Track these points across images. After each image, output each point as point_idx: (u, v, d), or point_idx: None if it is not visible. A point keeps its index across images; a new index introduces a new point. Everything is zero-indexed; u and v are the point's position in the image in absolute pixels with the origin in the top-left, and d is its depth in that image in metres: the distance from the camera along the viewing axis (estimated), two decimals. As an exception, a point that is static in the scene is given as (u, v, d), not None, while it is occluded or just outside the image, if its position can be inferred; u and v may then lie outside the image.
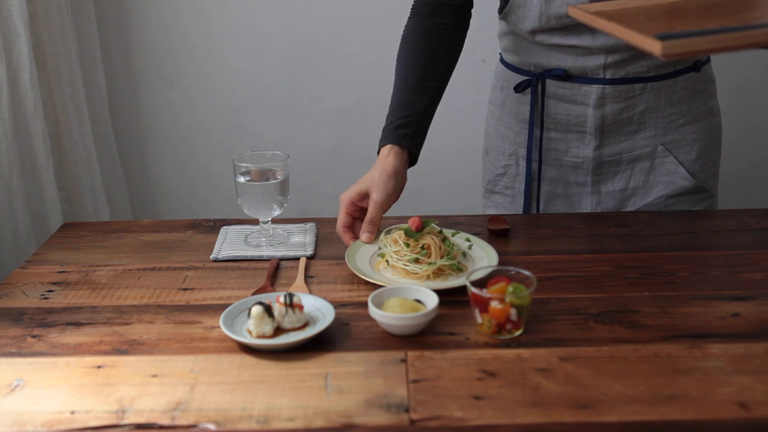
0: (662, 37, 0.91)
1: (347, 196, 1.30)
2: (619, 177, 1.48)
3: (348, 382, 0.94)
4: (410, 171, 2.38)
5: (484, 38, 2.11)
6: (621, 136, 1.44)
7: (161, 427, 0.87)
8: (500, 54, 1.57)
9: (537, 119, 1.47)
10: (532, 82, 1.46)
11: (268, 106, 2.18)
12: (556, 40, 1.39)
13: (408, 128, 1.33)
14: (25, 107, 1.66)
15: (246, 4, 2.09)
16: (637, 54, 1.37)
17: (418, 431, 0.85)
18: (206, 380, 0.95)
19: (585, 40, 1.36)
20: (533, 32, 1.40)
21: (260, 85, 2.16)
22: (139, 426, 0.87)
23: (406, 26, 1.45)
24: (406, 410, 0.88)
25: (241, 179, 1.29)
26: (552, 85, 1.44)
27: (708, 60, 1.48)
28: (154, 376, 0.96)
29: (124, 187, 2.14)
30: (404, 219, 1.26)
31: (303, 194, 2.06)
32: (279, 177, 1.30)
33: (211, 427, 0.86)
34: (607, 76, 1.39)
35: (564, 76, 1.42)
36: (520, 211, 1.55)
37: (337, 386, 0.93)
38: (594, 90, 1.40)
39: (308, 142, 2.20)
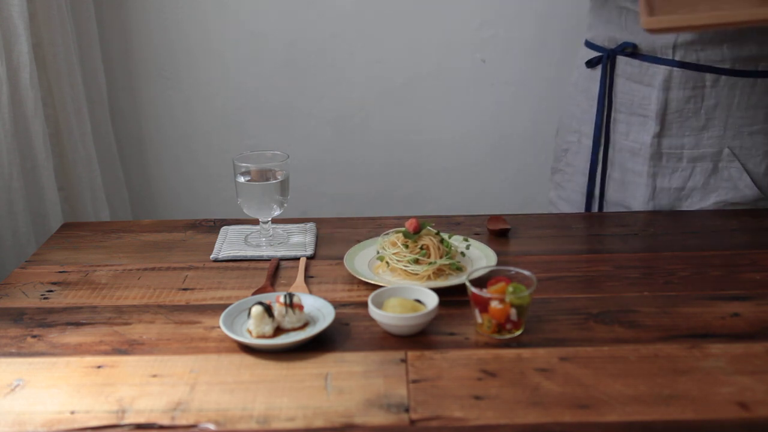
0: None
1: None
2: (678, 175, 1.44)
3: (348, 382, 0.94)
4: (410, 171, 2.39)
5: (484, 38, 2.11)
6: (685, 130, 1.41)
7: (161, 427, 0.87)
8: (585, 39, 1.57)
9: (604, 97, 1.46)
10: (603, 59, 1.45)
11: (268, 106, 2.18)
12: (628, 3, 1.37)
13: None
14: (25, 107, 1.66)
15: (246, 4, 2.09)
16: (709, 38, 1.33)
17: (418, 431, 0.85)
18: (206, 380, 0.95)
19: None
20: None
21: (260, 85, 2.16)
22: (139, 426, 0.87)
23: None
24: (406, 410, 0.88)
25: (241, 179, 1.30)
26: (622, 62, 1.43)
27: None
28: (154, 376, 0.96)
29: (124, 187, 2.14)
30: (403, 219, 1.26)
31: (303, 194, 2.05)
32: (279, 177, 1.30)
33: (211, 427, 0.86)
34: (677, 58, 1.36)
35: (633, 52, 1.40)
36: (576, 189, 1.54)
37: (337, 386, 0.93)
38: (661, 71, 1.38)
39: (308, 142, 2.20)
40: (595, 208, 1.54)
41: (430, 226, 1.23)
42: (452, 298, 1.11)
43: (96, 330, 1.07)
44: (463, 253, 1.25)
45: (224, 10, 2.09)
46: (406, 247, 1.19)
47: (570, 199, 1.58)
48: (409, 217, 1.22)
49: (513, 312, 1.01)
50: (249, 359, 0.99)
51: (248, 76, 2.15)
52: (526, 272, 1.06)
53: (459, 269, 1.19)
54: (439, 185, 2.25)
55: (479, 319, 1.04)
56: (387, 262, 1.21)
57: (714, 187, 1.43)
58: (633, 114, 1.44)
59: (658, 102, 1.40)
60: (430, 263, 1.17)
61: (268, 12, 2.10)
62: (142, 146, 2.22)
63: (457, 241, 1.28)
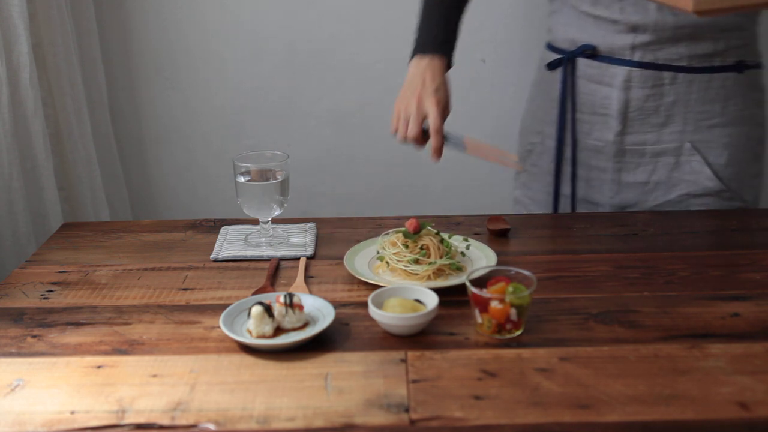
0: None
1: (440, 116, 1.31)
2: (641, 169, 1.46)
3: (348, 382, 0.94)
4: (410, 172, 2.39)
5: (483, 38, 2.11)
6: (647, 127, 1.43)
7: (161, 427, 0.87)
8: (546, 41, 1.58)
9: (565, 98, 1.47)
10: (564, 61, 1.46)
11: (268, 107, 2.18)
12: (586, 6, 1.40)
13: (452, 43, 1.39)
14: (25, 107, 1.66)
15: (246, 4, 2.09)
16: (666, 38, 1.36)
17: (418, 431, 0.85)
18: (206, 380, 0.95)
19: (613, 13, 1.36)
20: None
21: (260, 85, 2.16)
22: (139, 426, 0.87)
23: None
24: (406, 410, 0.88)
25: (241, 179, 1.30)
26: (582, 64, 1.44)
27: (758, 65, 1.44)
28: (154, 376, 0.96)
29: (124, 187, 2.14)
30: (403, 219, 1.26)
31: (303, 194, 2.05)
32: (279, 177, 1.30)
33: (211, 427, 0.86)
34: (635, 58, 1.38)
35: (593, 53, 1.42)
36: (542, 189, 1.55)
37: (337, 386, 0.93)
38: (620, 72, 1.40)
39: (308, 143, 2.20)
40: (566, 206, 1.55)
41: (430, 226, 1.23)
42: (452, 298, 1.11)
43: (96, 330, 1.07)
44: (463, 253, 1.25)
45: (224, 10, 2.09)
46: (406, 247, 1.19)
47: (537, 199, 1.60)
48: (409, 217, 1.22)
49: (513, 312, 1.01)
50: (249, 359, 0.99)
51: (248, 76, 2.15)
52: (526, 272, 1.06)
53: (459, 269, 1.19)
54: (439, 185, 2.25)
55: (479, 319, 1.04)
56: (387, 262, 1.21)
57: (677, 180, 1.45)
58: (595, 114, 1.46)
59: (619, 101, 1.42)
60: (430, 263, 1.17)
61: (268, 12, 2.10)
62: (142, 146, 2.22)
63: (457, 241, 1.28)
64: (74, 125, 1.83)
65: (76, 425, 0.87)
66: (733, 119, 1.42)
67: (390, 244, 1.22)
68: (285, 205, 1.32)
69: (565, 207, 1.55)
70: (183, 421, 0.87)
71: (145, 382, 0.95)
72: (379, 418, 0.87)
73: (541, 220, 1.47)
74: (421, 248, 1.19)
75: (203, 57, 2.14)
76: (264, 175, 1.31)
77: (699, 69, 1.38)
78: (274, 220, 1.39)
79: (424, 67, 1.35)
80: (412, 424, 0.86)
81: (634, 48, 1.38)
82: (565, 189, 1.53)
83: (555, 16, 1.51)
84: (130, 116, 2.19)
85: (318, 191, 2.24)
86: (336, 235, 1.39)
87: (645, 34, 1.36)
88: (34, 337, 1.06)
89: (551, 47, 1.53)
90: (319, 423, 0.86)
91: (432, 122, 1.30)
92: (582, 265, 1.25)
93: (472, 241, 1.28)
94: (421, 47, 1.38)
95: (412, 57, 1.39)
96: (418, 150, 1.36)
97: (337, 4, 2.09)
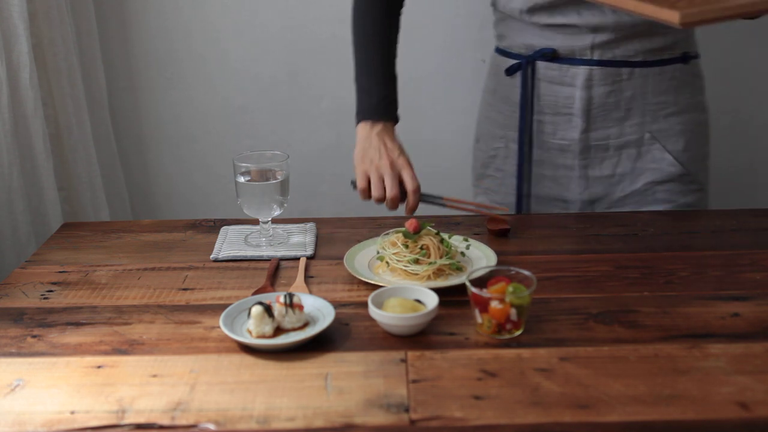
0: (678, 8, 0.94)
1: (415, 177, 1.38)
2: (606, 163, 1.48)
3: (348, 382, 0.94)
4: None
5: (484, 38, 2.11)
6: (609, 122, 1.46)
7: (161, 427, 0.87)
8: (496, 46, 1.59)
9: (526, 102, 1.49)
10: (523, 65, 1.47)
11: (268, 106, 2.18)
12: (545, 19, 1.41)
13: (396, 102, 1.48)
14: (25, 107, 1.66)
15: (247, 4, 2.09)
16: (623, 36, 1.39)
17: (418, 431, 0.85)
18: (206, 380, 0.95)
19: (571, 18, 1.39)
20: (521, 12, 1.43)
21: (260, 85, 2.16)
22: (139, 426, 0.87)
23: None
24: (406, 410, 0.88)
25: (241, 179, 1.30)
26: (542, 67, 1.46)
27: (696, 56, 1.50)
28: (154, 376, 0.96)
29: (124, 187, 2.14)
30: (403, 219, 1.26)
31: (303, 194, 2.05)
32: (279, 177, 1.30)
33: (211, 427, 0.86)
34: (595, 57, 1.41)
35: (552, 56, 1.44)
36: (509, 192, 1.56)
37: (337, 386, 0.93)
38: (582, 71, 1.42)
39: (309, 142, 2.20)
40: (529, 207, 1.57)
41: (430, 226, 1.23)
42: (452, 298, 1.11)
43: (96, 330, 1.07)
44: (463, 253, 1.25)
45: (224, 10, 2.10)
46: (406, 247, 1.20)
47: (503, 203, 1.61)
48: (409, 217, 1.22)
49: (513, 312, 1.01)
50: (249, 359, 0.99)
51: (248, 76, 2.15)
52: (526, 272, 1.06)
53: (459, 269, 1.19)
54: (439, 185, 2.25)
55: (479, 319, 1.04)
56: (387, 262, 1.21)
57: (641, 170, 1.48)
58: (558, 114, 1.48)
59: (582, 100, 1.44)
60: (430, 263, 1.17)
61: (268, 12, 2.10)
62: (142, 146, 2.22)
63: (457, 241, 1.28)
64: (74, 125, 1.83)
65: (76, 425, 0.87)
66: (684, 107, 1.47)
67: (390, 244, 1.22)
68: (285, 205, 1.32)
69: (528, 208, 1.57)
70: (183, 421, 0.87)
71: (145, 382, 0.95)
72: (379, 418, 0.87)
73: (541, 219, 1.47)
74: (421, 248, 1.19)
75: (203, 57, 2.14)
76: (264, 175, 1.31)
77: (652, 63, 1.43)
78: (274, 220, 1.39)
79: (379, 131, 1.41)
80: (412, 424, 0.86)
81: (593, 48, 1.41)
82: (529, 189, 1.55)
83: (505, 23, 1.51)
84: (130, 116, 2.19)
85: (318, 191, 2.24)
86: (336, 235, 1.39)
87: (604, 34, 1.39)
88: (34, 337, 1.06)
89: (505, 52, 1.53)
90: (319, 423, 0.86)
91: (410, 182, 1.35)
92: (582, 265, 1.25)
93: (472, 241, 1.28)
94: (369, 113, 1.43)
95: (359, 120, 1.44)
96: (390, 209, 1.39)
97: (337, 4, 2.09)
